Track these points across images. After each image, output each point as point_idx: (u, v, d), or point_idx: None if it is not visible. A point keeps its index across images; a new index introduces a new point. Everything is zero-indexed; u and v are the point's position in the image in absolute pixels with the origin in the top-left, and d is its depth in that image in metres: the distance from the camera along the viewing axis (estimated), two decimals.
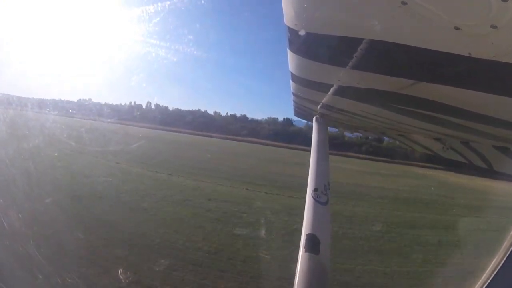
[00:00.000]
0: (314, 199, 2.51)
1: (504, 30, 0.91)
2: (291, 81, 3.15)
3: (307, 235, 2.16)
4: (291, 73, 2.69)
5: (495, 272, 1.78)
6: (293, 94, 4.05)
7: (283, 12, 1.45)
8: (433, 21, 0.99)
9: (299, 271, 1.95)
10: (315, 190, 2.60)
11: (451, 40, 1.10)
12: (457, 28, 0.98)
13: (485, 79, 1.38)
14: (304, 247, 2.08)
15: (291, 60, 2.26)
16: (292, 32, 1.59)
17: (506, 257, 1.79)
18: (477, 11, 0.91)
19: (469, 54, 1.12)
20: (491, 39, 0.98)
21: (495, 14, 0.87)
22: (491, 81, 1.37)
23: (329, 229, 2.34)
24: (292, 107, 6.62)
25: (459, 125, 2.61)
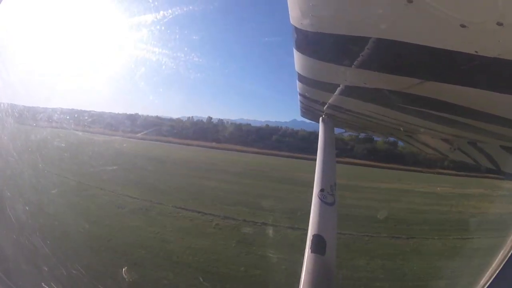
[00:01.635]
0: (321, 199, 2.51)
1: (510, 28, 0.91)
2: (297, 82, 3.16)
3: (313, 236, 2.17)
4: (298, 73, 2.70)
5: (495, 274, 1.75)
6: (300, 94, 4.05)
7: (289, 12, 1.46)
8: (439, 18, 0.99)
9: (305, 272, 1.96)
10: (322, 190, 2.60)
11: (458, 38, 1.10)
12: (463, 26, 0.98)
13: (492, 77, 1.38)
14: (310, 248, 2.08)
15: (298, 60, 2.27)
16: (299, 32, 1.60)
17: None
18: (483, 8, 0.91)
19: (476, 52, 1.12)
20: (497, 37, 0.98)
21: (501, 11, 0.87)
22: (498, 80, 1.36)
23: (335, 230, 2.33)
24: (299, 107, 6.60)
25: (466, 124, 2.59)
